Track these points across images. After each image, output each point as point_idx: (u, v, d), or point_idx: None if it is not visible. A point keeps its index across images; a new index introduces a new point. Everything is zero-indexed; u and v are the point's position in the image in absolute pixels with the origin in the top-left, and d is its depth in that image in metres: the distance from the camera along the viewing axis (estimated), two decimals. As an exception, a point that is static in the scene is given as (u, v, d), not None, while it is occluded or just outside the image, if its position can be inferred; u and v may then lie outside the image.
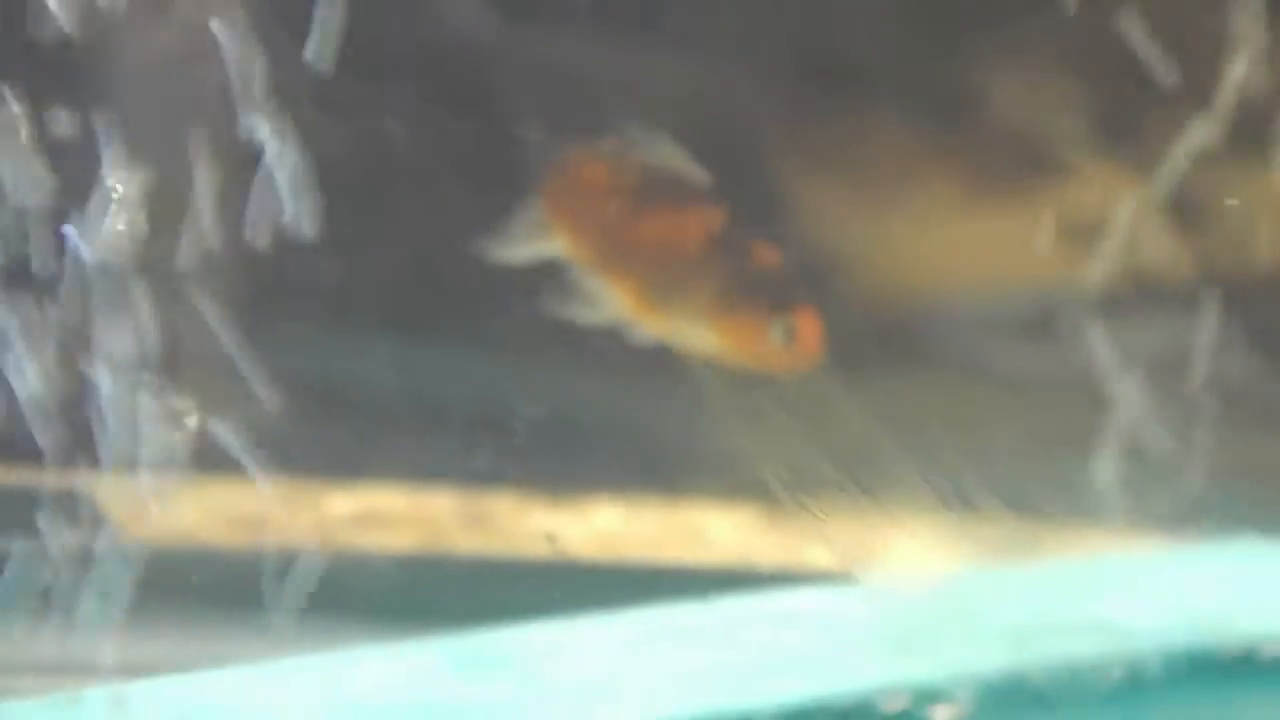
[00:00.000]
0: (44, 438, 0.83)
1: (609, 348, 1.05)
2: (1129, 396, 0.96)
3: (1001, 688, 0.74)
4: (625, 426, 1.05)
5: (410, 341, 1.04)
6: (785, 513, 1.07)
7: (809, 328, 0.78)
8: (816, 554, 1.04)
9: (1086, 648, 0.75)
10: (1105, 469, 0.92)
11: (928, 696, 0.73)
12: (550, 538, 1.02)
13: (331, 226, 1.04)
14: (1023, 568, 0.90)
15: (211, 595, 0.95)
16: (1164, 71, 0.97)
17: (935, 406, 0.97)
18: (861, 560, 1.02)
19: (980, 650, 0.74)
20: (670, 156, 0.79)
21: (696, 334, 0.79)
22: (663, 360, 1.06)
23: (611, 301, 0.79)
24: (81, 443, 0.85)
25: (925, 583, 0.83)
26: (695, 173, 0.79)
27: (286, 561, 1.02)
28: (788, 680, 0.70)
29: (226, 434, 1.00)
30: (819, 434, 1.06)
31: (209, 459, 1.04)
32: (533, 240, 0.79)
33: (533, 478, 1.05)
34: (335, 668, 0.68)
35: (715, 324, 0.78)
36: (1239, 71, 0.99)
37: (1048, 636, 0.76)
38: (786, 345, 0.78)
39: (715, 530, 1.07)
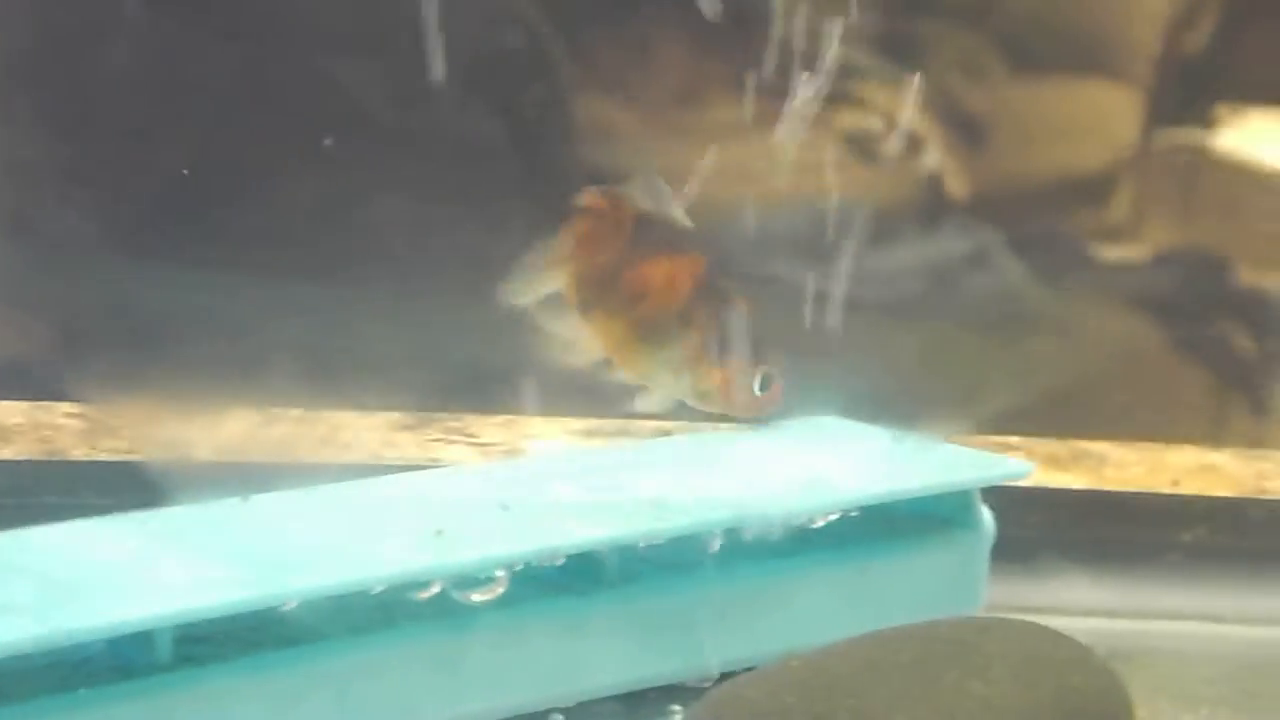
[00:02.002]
0: None
1: (250, 258, 1.02)
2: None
3: (538, 566, 0.72)
4: (266, 336, 1.02)
5: (40, 256, 1.00)
6: (424, 417, 1.05)
7: (777, 376, 0.80)
8: (451, 454, 1.03)
9: (634, 524, 0.73)
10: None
11: (464, 581, 0.70)
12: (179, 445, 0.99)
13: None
14: (576, 450, 0.88)
15: None
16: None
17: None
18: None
19: (518, 533, 0.71)
20: (659, 199, 0.78)
21: (675, 382, 0.79)
22: (305, 270, 1.03)
23: (592, 344, 0.78)
24: None
25: (468, 468, 0.80)
26: (681, 218, 0.78)
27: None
28: (318, 570, 0.67)
29: None
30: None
31: None
32: (540, 279, 0.79)
33: (164, 389, 1.02)
34: None
35: (698, 376, 0.78)
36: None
37: (593, 515, 0.73)
38: (760, 395, 0.80)
39: (352, 433, 1.05)
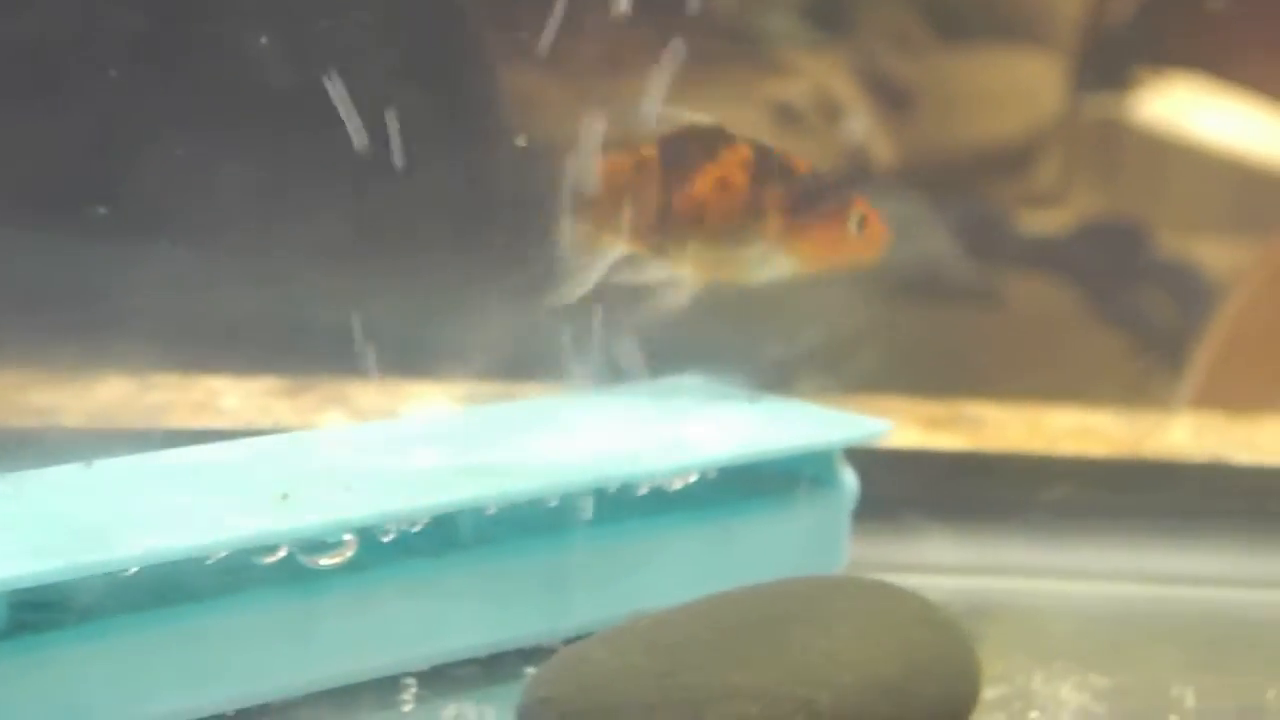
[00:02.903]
0: None
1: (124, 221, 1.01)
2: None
3: (389, 531, 0.71)
4: (139, 305, 1.01)
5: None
6: (302, 383, 1.04)
7: (871, 210, 0.78)
8: (328, 420, 1.02)
9: (487, 488, 0.73)
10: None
11: (310, 546, 0.70)
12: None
13: None
14: (439, 414, 0.88)
15: None
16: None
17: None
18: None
19: (367, 497, 0.70)
20: (673, 115, 0.77)
21: (776, 263, 0.77)
22: (183, 234, 1.02)
23: (684, 272, 0.78)
24: None
25: (325, 433, 0.79)
26: (701, 118, 0.77)
27: None
28: (159, 535, 0.66)
29: None
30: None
31: None
32: (593, 249, 0.77)
33: (33, 356, 1.01)
34: None
35: (794, 246, 0.77)
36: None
37: (447, 479, 0.73)
38: (862, 234, 0.78)
39: (228, 399, 1.04)
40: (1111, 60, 1.07)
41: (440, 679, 0.72)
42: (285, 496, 0.69)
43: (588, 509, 0.75)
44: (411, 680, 0.72)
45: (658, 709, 0.63)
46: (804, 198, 0.77)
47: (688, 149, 0.77)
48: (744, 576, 0.71)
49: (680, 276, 0.77)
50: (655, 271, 0.77)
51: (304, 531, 0.68)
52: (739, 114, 1.01)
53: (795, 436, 0.80)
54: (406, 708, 0.71)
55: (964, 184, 1.07)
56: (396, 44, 1.01)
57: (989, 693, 0.73)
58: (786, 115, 1.02)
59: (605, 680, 0.64)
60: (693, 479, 0.78)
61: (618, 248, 0.77)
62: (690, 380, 0.86)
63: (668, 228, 0.77)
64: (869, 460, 0.83)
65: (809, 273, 0.79)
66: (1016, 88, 1.07)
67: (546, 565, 0.75)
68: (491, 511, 0.73)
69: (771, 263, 0.77)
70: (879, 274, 1.02)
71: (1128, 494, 0.91)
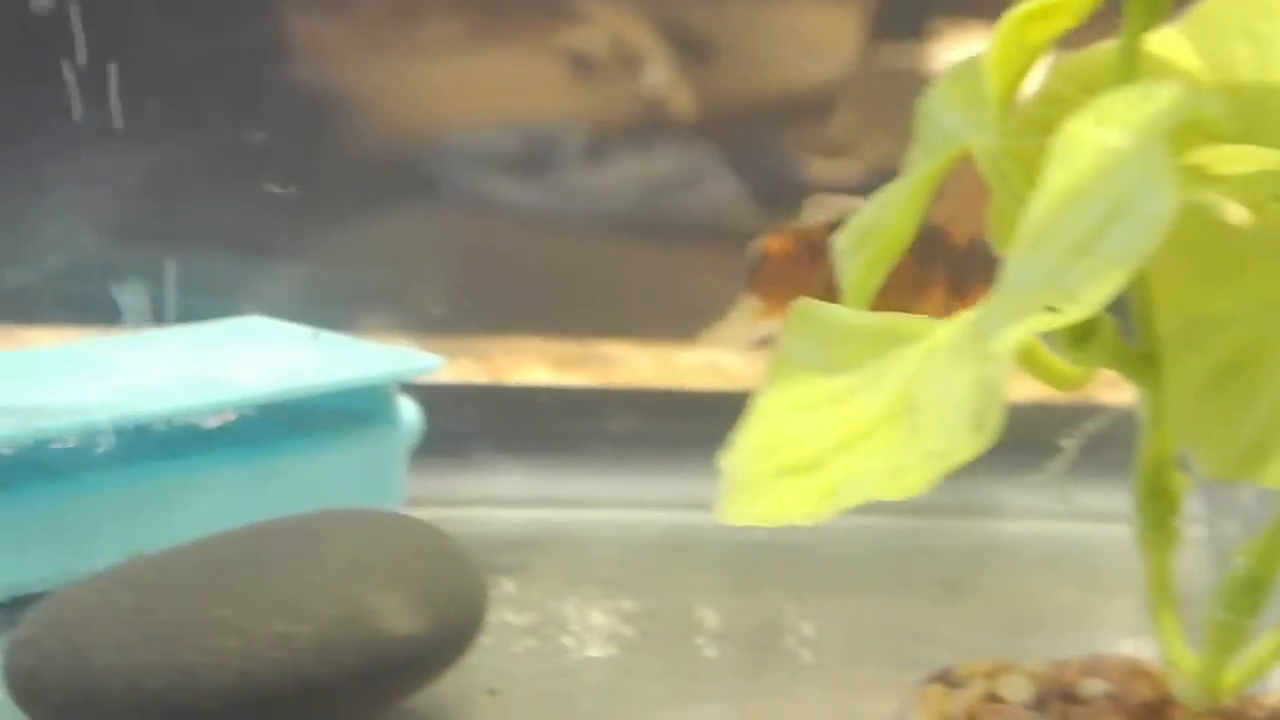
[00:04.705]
0: None
1: None
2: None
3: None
4: None
5: None
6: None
7: None
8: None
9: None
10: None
11: None
12: None
13: None
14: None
15: None
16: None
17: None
18: None
19: None
20: (833, 202, 0.78)
21: None
22: None
23: None
24: None
25: None
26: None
27: None
28: None
29: None
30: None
31: None
32: (752, 326, 0.78)
33: None
34: None
35: None
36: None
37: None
38: None
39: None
40: (908, 10, 1.06)
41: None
42: None
43: (122, 448, 0.74)
44: (-84, 628, 0.70)
45: (132, 647, 0.62)
46: (965, 273, 0.77)
47: None
48: (291, 513, 0.70)
49: None
50: None
51: None
52: (535, 64, 1.00)
53: (337, 372, 0.79)
54: (-96, 652, 0.69)
55: (760, 133, 1.06)
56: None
57: (522, 619, 0.73)
58: (583, 65, 1.01)
59: (85, 619, 0.63)
60: (232, 417, 0.77)
61: (776, 322, 0.77)
62: (250, 319, 0.85)
63: None
64: (435, 395, 0.83)
65: None
66: (813, 38, 1.06)
67: (71, 506, 0.73)
68: (7, 452, 0.72)
69: None
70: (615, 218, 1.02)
71: (693, 424, 0.91)
